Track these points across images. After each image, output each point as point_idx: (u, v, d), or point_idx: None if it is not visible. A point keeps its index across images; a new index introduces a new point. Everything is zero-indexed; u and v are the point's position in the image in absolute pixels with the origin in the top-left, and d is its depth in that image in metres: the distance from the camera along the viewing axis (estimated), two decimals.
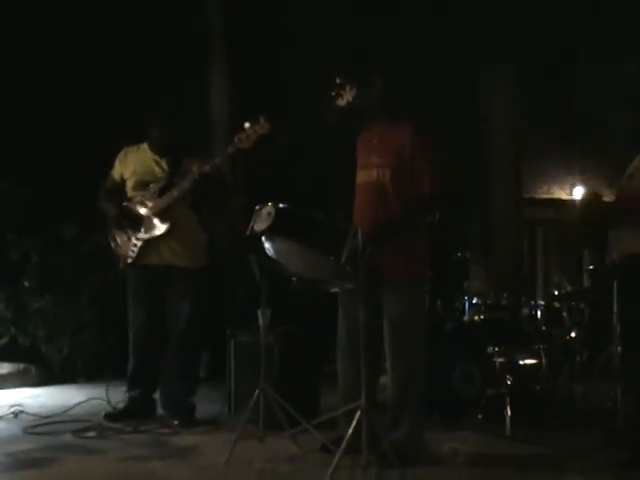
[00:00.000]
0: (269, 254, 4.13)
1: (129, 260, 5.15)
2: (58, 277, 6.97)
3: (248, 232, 3.99)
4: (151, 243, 5.09)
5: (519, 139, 9.07)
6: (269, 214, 3.87)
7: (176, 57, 8.44)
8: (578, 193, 10.19)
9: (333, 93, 4.29)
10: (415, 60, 8.29)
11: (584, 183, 10.59)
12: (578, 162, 10.77)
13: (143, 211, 5.09)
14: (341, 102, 4.30)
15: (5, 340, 6.96)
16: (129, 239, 5.13)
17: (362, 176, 4.38)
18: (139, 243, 5.10)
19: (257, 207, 3.98)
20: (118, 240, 5.19)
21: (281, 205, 3.91)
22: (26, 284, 6.93)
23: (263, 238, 4.01)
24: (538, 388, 5.39)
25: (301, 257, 4.06)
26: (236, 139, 4.83)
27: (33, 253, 6.94)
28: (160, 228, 5.05)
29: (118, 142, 5.29)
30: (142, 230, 5.08)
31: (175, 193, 4.99)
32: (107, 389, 5.54)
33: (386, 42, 8.20)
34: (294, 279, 4.56)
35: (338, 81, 4.32)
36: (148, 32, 8.38)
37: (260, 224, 3.89)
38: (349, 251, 3.82)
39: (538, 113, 9.62)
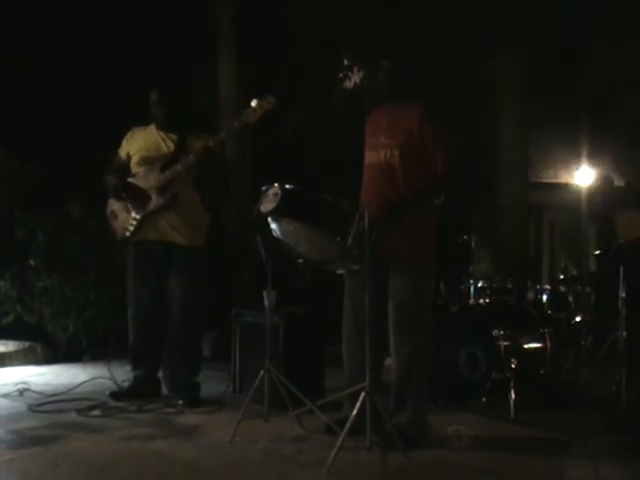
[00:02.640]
0: (275, 235, 4.12)
1: (127, 234, 5.11)
2: (64, 256, 6.97)
3: (254, 213, 3.98)
4: (150, 218, 5.05)
5: (526, 124, 9.05)
6: (275, 195, 3.85)
7: (185, 40, 8.42)
8: (583, 177, 10.15)
9: (341, 75, 4.28)
10: (423, 45, 8.25)
11: (591, 167, 10.57)
12: (585, 147, 10.74)
13: (145, 186, 5.05)
14: (349, 83, 4.29)
15: (11, 318, 6.97)
16: (128, 213, 5.09)
17: (370, 156, 4.35)
18: (138, 217, 5.05)
19: (264, 188, 3.96)
20: (117, 214, 5.15)
21: (287, 186, 3.89)
22: (32, 263, 6.94)
23: (269, 219, 4.00)
24: (543, 372, 5.40)
25: (307, 238, 4.05)
26: (242, 114, 4.84)
27: (39, 232, 6.94)
28: (160, 202, 5.00)
29: (126, 123, 5.28)
30: (142, 204, 5.04)
31: (179, 167, 4.96)
32: (109, 367, 5.55)
33: (394, 26, 8.16)
34: (300, 260, 4.55)
35: (346, 63, 4.30)
36: (158, 16, 8.36)
37: (267, 205, 3.87)
38: (355, 232, 3.81)
39: (545, 98, 9.59)
